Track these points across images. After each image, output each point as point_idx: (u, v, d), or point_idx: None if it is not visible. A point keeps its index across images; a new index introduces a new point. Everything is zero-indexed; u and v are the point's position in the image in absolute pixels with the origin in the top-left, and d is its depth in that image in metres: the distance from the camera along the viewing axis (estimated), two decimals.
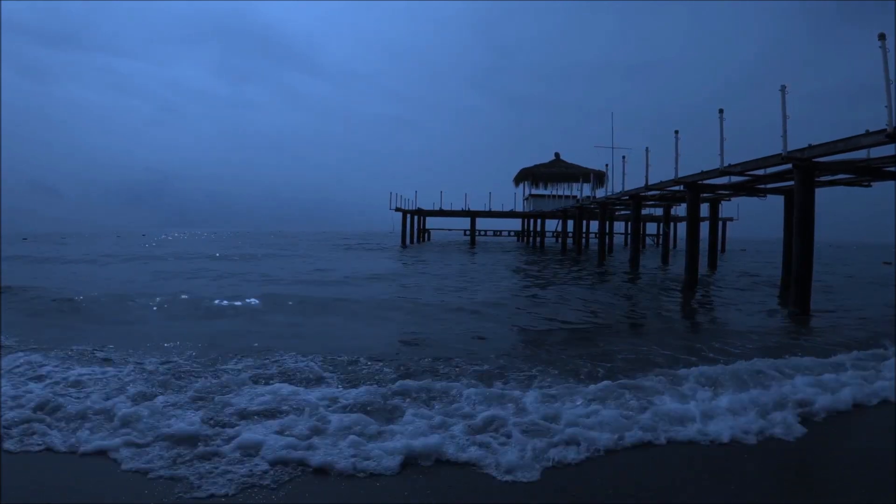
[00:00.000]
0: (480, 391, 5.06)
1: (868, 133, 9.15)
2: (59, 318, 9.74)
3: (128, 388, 5.09)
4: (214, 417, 4.40)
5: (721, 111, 13.24)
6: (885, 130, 8.57)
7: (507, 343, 8.18)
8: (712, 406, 4.79)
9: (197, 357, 6.43)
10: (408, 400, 4.85)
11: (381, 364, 6.22)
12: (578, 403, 4.82)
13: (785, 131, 10.91)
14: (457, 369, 6.10)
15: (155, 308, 10.73)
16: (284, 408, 4.58)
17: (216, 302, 11.15)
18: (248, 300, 11.33)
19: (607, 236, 31.13)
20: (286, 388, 5.02)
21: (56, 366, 5.83)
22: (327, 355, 6.46)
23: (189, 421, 4.29)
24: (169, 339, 7.43)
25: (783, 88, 10.91)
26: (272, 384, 5.23)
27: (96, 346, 6.93)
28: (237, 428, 4.19)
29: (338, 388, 5.27)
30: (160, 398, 4.80)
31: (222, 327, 8.99)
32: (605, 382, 5.36)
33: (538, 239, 45.69)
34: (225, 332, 8.32)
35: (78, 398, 4.83)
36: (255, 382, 5.35)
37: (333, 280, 17.68)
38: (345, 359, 6.36)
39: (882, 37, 8.55)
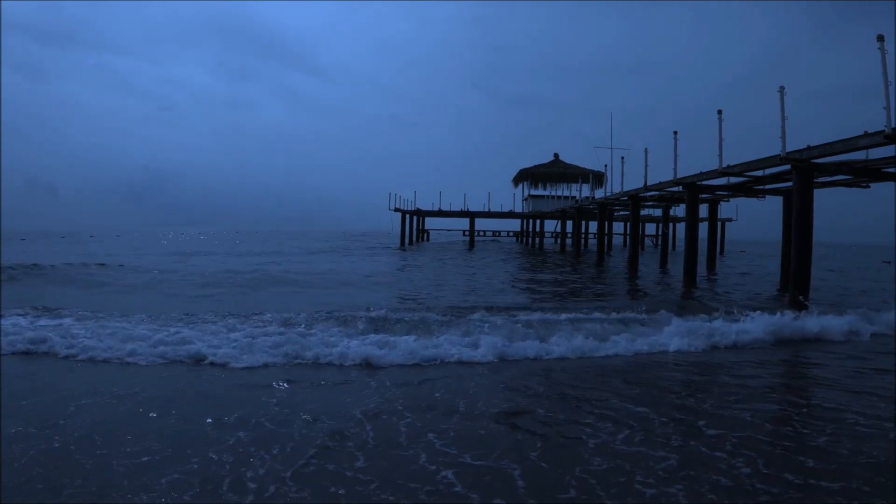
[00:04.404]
0: None
1: (866, 134, 9.16)
2: None
3: None
4: None
5: (720, 112, 13.26)
6: (883, 132, 8.58)
7: None
8: None
9: None
10: None
11: None
12: None
13: (784, 132, 10.91)
14: None
15: None
16: None
17: None
18: None
19: (606, 237, 31.09)
20: None
21: None
22: None
23: None
24: None
25: (781, 89, 10.92)
26: None
27: None
28: None
29: None
30: None
31: None
32: None
33: (537, 239, 45.70)
34: None
35: None
36: None
37: None
38: None
39: (881, 38, 8.56)
